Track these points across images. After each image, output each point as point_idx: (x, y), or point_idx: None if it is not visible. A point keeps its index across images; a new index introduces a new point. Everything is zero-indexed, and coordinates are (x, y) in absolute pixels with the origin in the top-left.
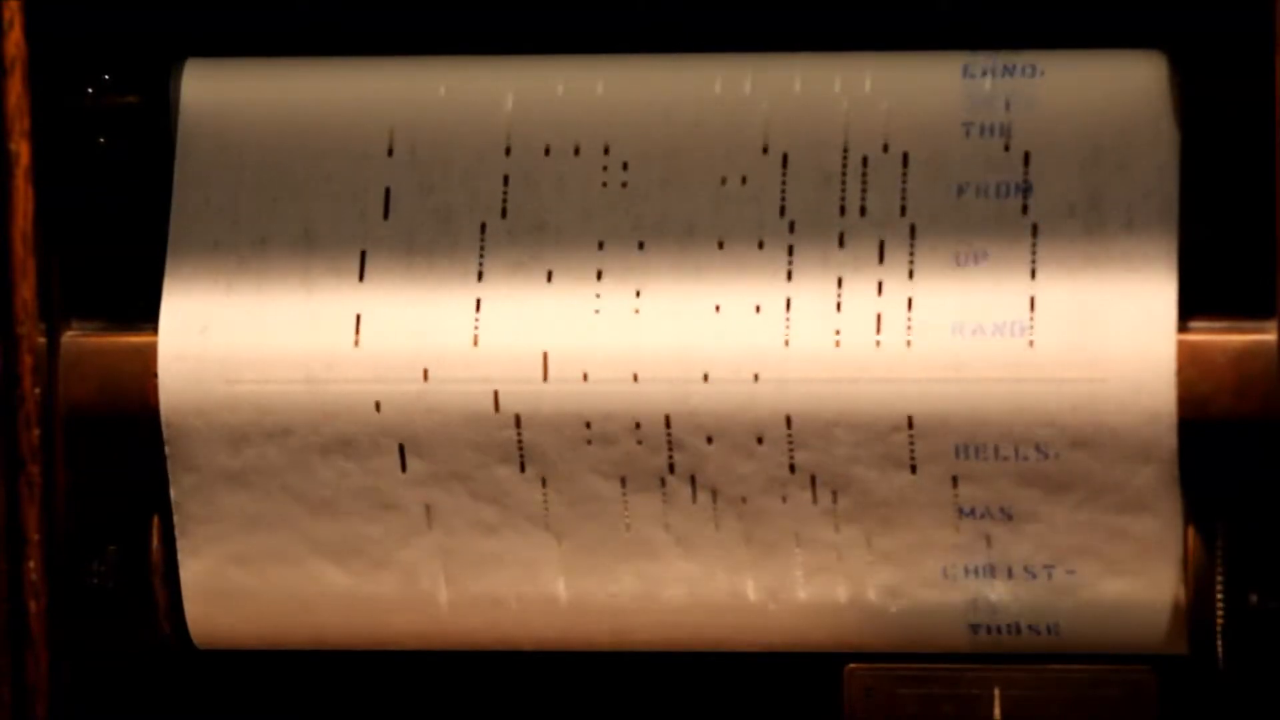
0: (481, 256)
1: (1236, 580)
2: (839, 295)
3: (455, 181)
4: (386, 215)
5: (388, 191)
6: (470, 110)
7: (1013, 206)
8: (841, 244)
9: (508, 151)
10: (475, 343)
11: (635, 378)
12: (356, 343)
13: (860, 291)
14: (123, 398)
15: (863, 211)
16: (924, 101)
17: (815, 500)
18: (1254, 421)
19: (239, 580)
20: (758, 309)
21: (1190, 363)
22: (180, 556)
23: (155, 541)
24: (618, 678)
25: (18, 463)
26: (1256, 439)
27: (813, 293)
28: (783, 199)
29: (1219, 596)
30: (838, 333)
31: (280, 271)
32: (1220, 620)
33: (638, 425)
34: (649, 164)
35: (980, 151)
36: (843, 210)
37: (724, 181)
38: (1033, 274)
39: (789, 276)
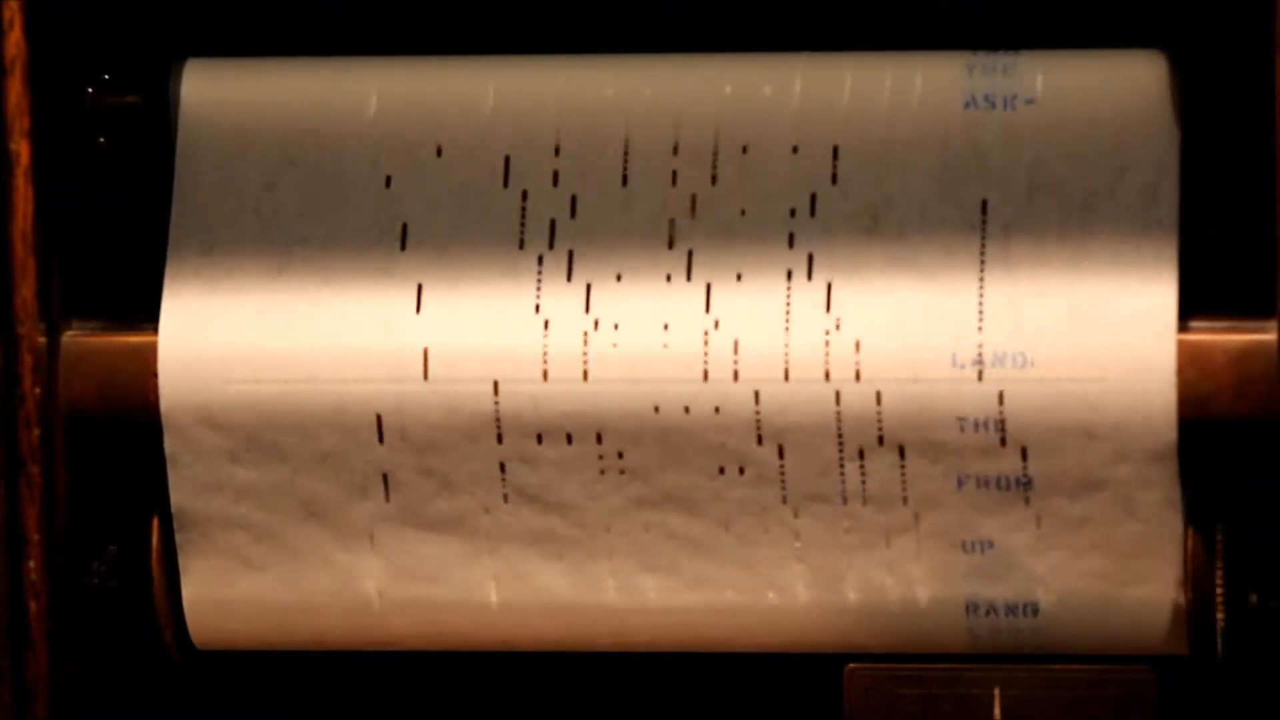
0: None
1: (1236, 580)
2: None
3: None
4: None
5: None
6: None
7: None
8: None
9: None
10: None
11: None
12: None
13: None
14: (123, 398)
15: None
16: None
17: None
18: (1254, 421)
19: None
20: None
21: (1190, 363)
22: (180, 557)
23: (155, 541)
24: (618, 678)
25: (18, 463)
26: (1256, 439)
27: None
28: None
29: (1219, 596)
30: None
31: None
32: (1220, 620)
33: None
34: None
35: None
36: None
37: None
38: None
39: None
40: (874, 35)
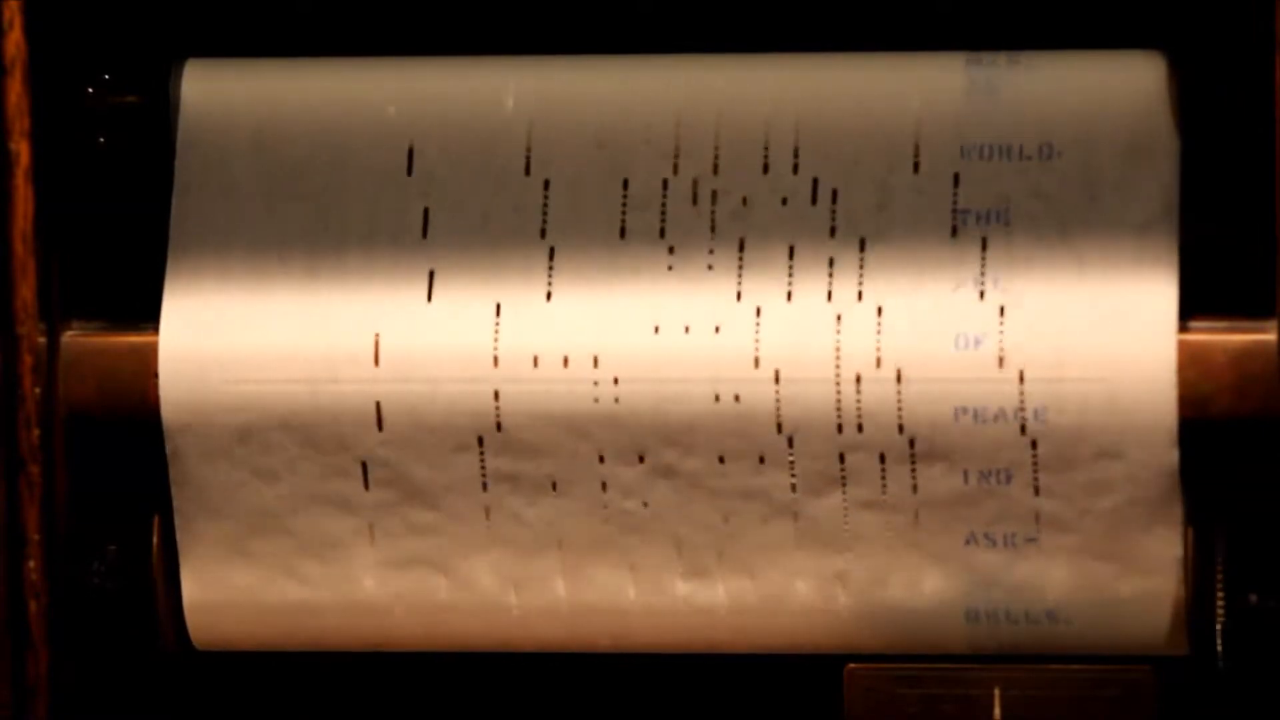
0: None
1: (1236, 580)
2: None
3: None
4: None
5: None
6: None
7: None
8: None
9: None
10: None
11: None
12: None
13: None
14: (123, 398)
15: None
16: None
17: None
18: (1254, 421)
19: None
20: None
21: (1190, 363)
22: (180, 557)
23: (155, 541)
24: (617, 679)
25: (18, 463)
26: (1256, 439)
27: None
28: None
29: (1219, 596)
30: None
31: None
32: (1220, 620)
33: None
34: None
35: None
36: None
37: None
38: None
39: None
40: (874, 35)
